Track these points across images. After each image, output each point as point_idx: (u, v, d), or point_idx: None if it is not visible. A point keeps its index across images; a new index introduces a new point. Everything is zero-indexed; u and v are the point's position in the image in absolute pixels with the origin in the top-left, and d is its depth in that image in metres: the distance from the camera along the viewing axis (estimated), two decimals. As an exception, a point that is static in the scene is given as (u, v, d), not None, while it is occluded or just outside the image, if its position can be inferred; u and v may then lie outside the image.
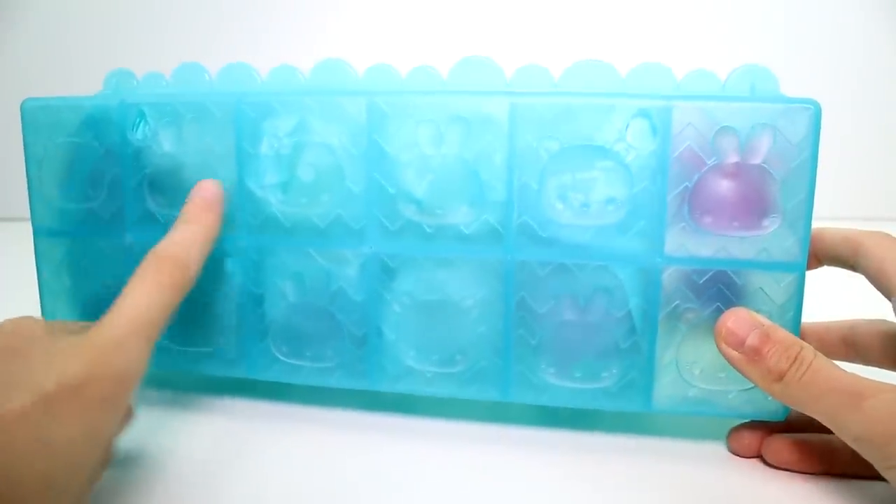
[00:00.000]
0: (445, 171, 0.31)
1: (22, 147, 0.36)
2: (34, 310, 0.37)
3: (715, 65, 0.35)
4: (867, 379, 0.26)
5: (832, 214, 0.33)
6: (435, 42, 0.73)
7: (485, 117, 0.30)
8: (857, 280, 0.30)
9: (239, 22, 0.79)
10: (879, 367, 0.32)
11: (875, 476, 0.29)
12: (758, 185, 0.29)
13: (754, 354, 0.27)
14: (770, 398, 0.30)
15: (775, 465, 0.30)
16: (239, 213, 0.33)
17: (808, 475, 0.30)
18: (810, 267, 0.33)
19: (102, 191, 0.35)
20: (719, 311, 0.30)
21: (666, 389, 0.31)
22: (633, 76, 0.34)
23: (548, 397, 0.32)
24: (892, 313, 0.29)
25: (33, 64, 0.83)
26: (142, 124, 0.34)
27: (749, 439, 0.31)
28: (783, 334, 0.28)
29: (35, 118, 0.35)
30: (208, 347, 0.35)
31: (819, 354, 0.27)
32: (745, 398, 0.30)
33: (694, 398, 0.31)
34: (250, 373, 0.35)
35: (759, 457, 0.31)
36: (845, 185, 0.63)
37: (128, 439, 0.30)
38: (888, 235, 0.30)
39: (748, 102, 0.28)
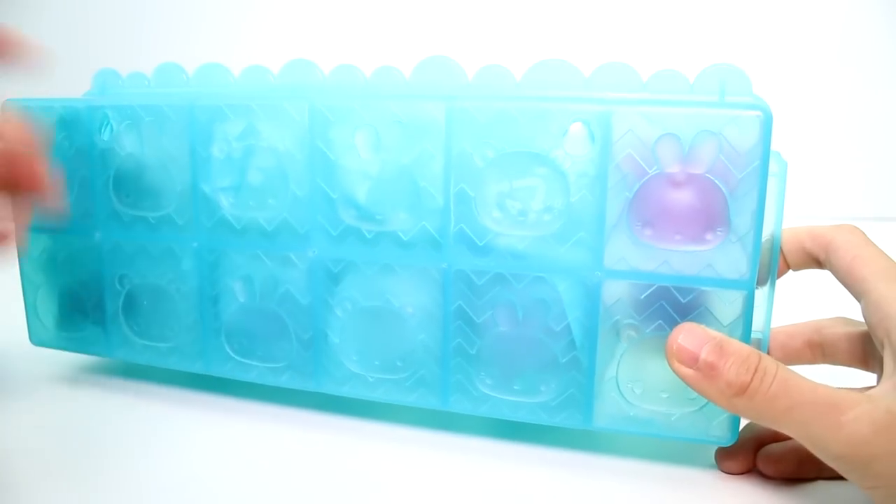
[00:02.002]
0: (384, 176, 0.31)
1: None
2: (18, 301, 0.39)
3: (685, 65, 0.33)
4: (840, 389, 0.24)
5: (812, 215, 0.30)
6: (401, 42, 0.73)
7: (422, 122, 0.30)
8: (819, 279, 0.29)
9: (219, 23, 0.81)
10: (848, 366, 0.31)
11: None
12: (702, 196, 0.27)
13: (710, 370, 0.25)
14: (715, 421, 0.28)
15: (774, 475, 0.29)
16: (195, 214, 0.34)
17: (766, 484, 0.28)
18: (780, 273, 0.31)
19: (74, 189, 0.36)
20: (662, 329, 0.28)
21: (607, 407, 0.30)
22: (598, 76, 0.32)
23: (486, 408, 0.31)
24: (860, 312, 0.27)
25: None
26: (107, 126, 0.35)
27: (742, 455, 0.29)
28: (738, 345, 0.26)
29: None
30: (170, 343, 0.36)
31: (781, 364, 0.25)
32: (690, 421, 0.29)
33: (636, 418, 0.29)
34: (207, 369, 0.36)
35: (752, 471, 0.29)
36: (828, 185, 0.59)
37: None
38: (856, 229, 0.29)
39: (692, 107, 0.27)
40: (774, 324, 0.31)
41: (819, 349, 0.31)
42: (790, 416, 0.24)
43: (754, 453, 0.29)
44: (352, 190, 0.31)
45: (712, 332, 0.26)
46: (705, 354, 0.25)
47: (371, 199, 0.31)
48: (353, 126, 0.31)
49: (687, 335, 0.26)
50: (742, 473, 0.29)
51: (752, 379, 0.25)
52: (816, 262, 0.30)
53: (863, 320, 0.28)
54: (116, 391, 0.38)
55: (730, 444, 0.29)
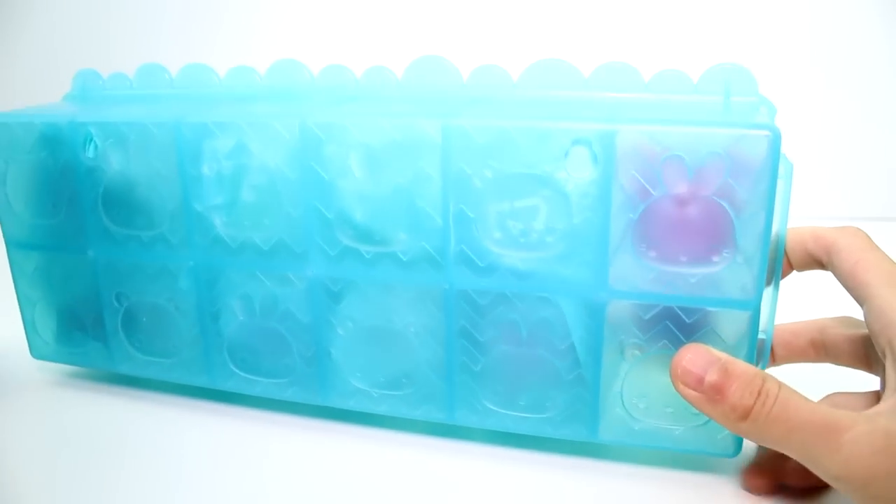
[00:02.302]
0: (381, 196, 0.30)
1: None
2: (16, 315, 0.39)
3: (689, 64, 0.32)
4: (838, 411, 0.24)
5: (818, 214, 0.30)
6: (391, 42, 0.69)
7: (418, 141, 0.29)
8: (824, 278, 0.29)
9: (202, 21, 0.76)
10: (851, 367, 0.31)
11: None
12: (708, 217, 0.26)
13: (715, 393, 0.25)
14: (719, 435, 0.29)
15: (800, 486, 0.28)
16: (188, 233, 0.33)
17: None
18: (784, 274, 0.31)
19: (63, 207, 0.35)
20: (666, 348, 0.28)
21: (612, 422, 0.30)
22: (597, 77, 0.31)
23: (492, 422, 0.31)
24: (862, 316, 0.27)
25: (7, 66, 0.82)
26: (91, 144, 0.34)
27: (769, 472, 0.29)
28: (743, 367, 0.26)
29: (-6, 135, 0.35)
30: (173, 358, 0.36)
31: (783, 385, 0.25)
32: (694, 435, 0.29)
33: (641, 431, 0.30)
34: (212, 383, 0.36)
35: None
36: (830, 185, 0.58)
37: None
38: (859, 231, 0.28)
39: (699, 127, 0.26)
40: (779, 320, 0.31)
41: (822, 349, 0.31)
42: (790, 439, 0.24)
43: (778, 468, 0.29)
44: (348, 210, 0.30)
45: (717, 354, 0.26)
46: (710, 377, 0.25)
47: (368, 220, 0.30)
48: (347, 144, 0.30)
49: (693, 357, 0.26)
50: (771, 492, 0.29)
51: (755, 403, 0.25)
52: (819, 264, 0.30)
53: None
54: (118, 397, 0.38)
55: (734, 457, 0.29)
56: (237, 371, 0.35)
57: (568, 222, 0.28)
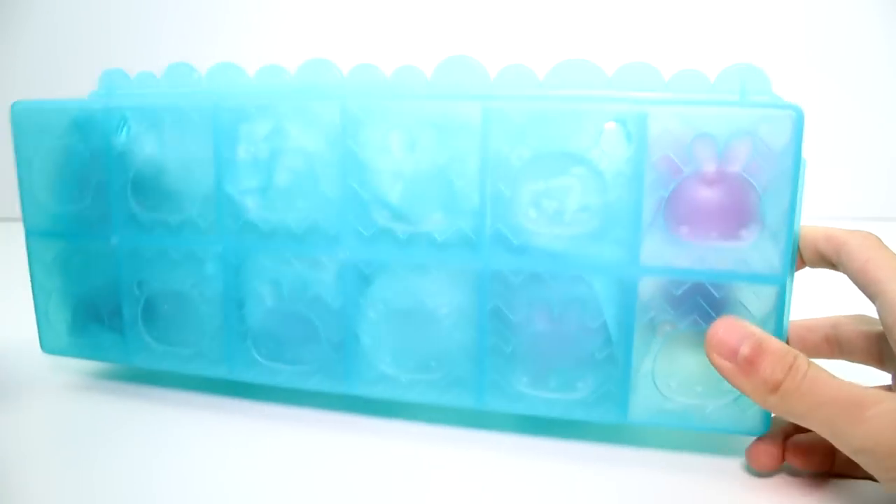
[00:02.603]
0: (418, 177, 0.31)
1: (12, 148, 0.37)
2: (28, 308, 0.38)
3: (705, 64, 0.34)
4: (865, 387, 0.25)
5: (828, 214, 0.31)
6: (420, 42, 0.72)
7: (458, 122, 0.30)
8: (840, 277, 0.30)
9: (229, 22, 0.78)
10: (864, 364, 0.31)
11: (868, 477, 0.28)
12: (737, 194, 0.28)
13: (748, 365, 0.26)
14: (748, 412, 0.29)
15: (803, 468, 0.29)
16: (219, 217, 0.33)
17: (800, 479, 0.29)
18: (796, 268, 0.32)
19: (89, 193, 0.35)
20: (697, 324, 0.29)
21: (642, 401, 0.30)
22: (620, 76, 0.33)
23: (523, 406, 0.32)
24: (876, 313, 0.28)
25: (29, 63, 0.83)
26: (125, 128, 0.34)
27: (771, 450, 0.30)
28: (776, 343, 0.26)
29: (24, 121, 0.36)
30: (192, 348, 0.35)
31: (813, 363, 0.26)
32: (723, 413, 0.30)
33: (671, 411, 0.30)
34: (232, 374, 0.35)
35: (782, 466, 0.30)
36: (841, 185, 0.60)
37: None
38: (871, 234, 0.29)
39: (727, 107, 0.27)
40: (795, 317, 0.32)
41: (836, 345, 0.32)
42: (816, 413, 0.25)
43: (783, 447, 0.30)
44: (385, 191, 0.31)
45: (752, 328, 0.27)
46: (744, 350, 0.26)
47: (405, 200, 0.31)
48: (386, 126, 0.31)
49: (727, 329, 0.27)
50: (774, 469, 0.30)
51: (784, 377, 0.25)
52: (829, 264, 0.31)
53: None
54: (130, 396, 0.37)
55: (761, 434, 0.29)
56: (260, 359, 0.34)
57: (602, 200, 0.29)
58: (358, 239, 0.32)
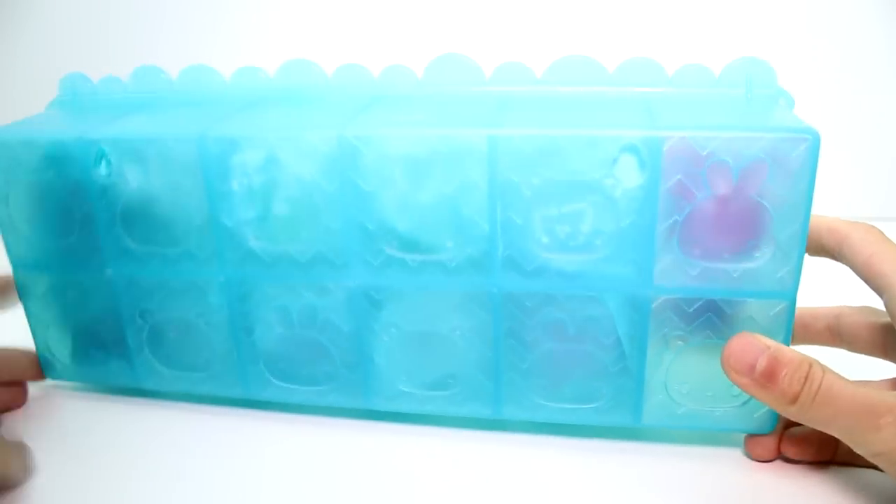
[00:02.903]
0: (425, 206, 0.30)
1: None
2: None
3: (709, 58, 0.32)
4: (879, 392, 0.26)
5: (836, 214, 0.31)
6: (409, 39, 0.65)
7: (463, 152, 0.29)
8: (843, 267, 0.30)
9: (197, 21, 0.68)
10: (868, 354, 0.32)
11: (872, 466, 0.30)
12: (750, 216, 0.28)
13: (765, 380, 0.27)
14: (756, 413, 0.31)
15: (796, 458, 0.31)
16: (218, 248, 0.32)
17: (811, 470, 0.31)
18: None
19: (76, 226, 0.34)
20: (709, 338, 0.30)
21: (654, 408, 0.31)
22: (621, 72, 0.32)
23: (539, 414, 0.33)
24: (883, 305, 0.29)
25: None
26: (104, 161, 0.32)
27: (768, 441, 0.31)
28: (791, 354, 0.27)
29: (-7, 154, 0.33)
30: (204, 372, 0.35)
31: (827, 369, 0.27)
32: (732, 414, 0.31)
33: (682, 415, 0.31)
34: (248, 394, 0.35)
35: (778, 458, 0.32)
36: (843, 184, 0.60)
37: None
38: (873, 228, 0.30)
39: (742, 132, 0.27)
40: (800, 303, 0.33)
41: (837, 334, 0.33)
42: (834, 421, 0.26)
43: (779, 438, 0.32)
44: (391, 220, 0.30)
45: (766, 341, 0.27)
46: (761, 365, 0.27)
47: (412, 229, 0.30)
48: (388, 155, 0.29)
49: (743, 346, 0.27)
50: (771, 459, 0.32)
51: (802, 388, 0.26)
52: (830, 255, 0.31)
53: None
54: (135, 402, 0.38)
55: (769, 432, 0.31)
56: (275, 381, 0.35)
57: (615, 226, 0.29)
58: (366, 267, 0.31)
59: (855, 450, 0.27)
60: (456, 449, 0.33)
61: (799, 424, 0.32)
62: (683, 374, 0.31)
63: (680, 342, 0.30)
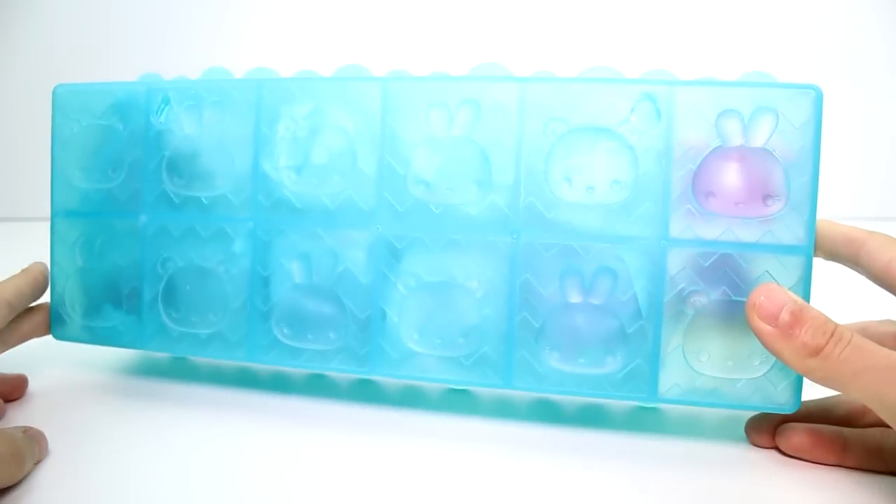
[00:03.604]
0: (454, 152, 0.32)
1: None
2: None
3: (718, 72, 0.36)
4: None
5: (837, 214, 0.32)
6: (447, 49, 0.74)
7: (495, 101, 0.31)
8: (860, 280, 0.30)
9: (262, 29, 0.79)
10: None
11: (887, 472, 0.28)
12: (761, 167, 0.29)
13: (788, 329, 0.26)
14: (779, 387, 0.29)
15: (788, 452, 0.30)
16: (253, 193, 0.34)
17: (821, 470, 0.29)
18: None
19: (122, 172, 0.36)
20: (726, 295, 0.30)
21: (672, 378, 0.30)
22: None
23: (550, 384, 0.31)
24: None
25: (42, 67, 0.81)
26: (166, 108, 0.35)
27: (767, 429, 0.31)
28: (816, 312, 0.27)
29: (65, 102, 0.37)
30: (211, 329, 0.35)
31: (856, 333, 0.26)
32: (754, 387, 0.30)
33: (701, 388, 0.30)
34: (250, 357, 0.35)
35: (776, 448, 0.31)
36: (846, 184, 0.62)
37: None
38: (890, 236, 0.30)
39: (751, 87, 0.29)
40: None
41: None
42: (860, 379, 0.25)
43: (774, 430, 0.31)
44: (421, 166, 0.32)
45: (794, 296, 0.27)
46: (785, 315, 0.27)
47: (440, 175, 0.32)
48: (426, 103, 0.32)
49: (769, 294, 0.27)
50: (769, 447, 0.31)
51: (826, 343, 0.26)
52: (845, 261, 0.31)
53: None
54: (137, 393, 0.36)
55: (793, 410, 0.29)
56: (281, 339, 0.34)
57: (632, 174, 0.30)
58: (392, 214, 0.32)
59: (879, 412, 0.25)
60: (455, 442, 0.32)
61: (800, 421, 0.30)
62: (702, 338, 0.30)
63: (697, 299, 0.30)
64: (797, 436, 0.30)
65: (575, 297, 0.31)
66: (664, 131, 0.30)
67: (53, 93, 0.37)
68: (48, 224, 0.37)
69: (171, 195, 0.35)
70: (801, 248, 0.29)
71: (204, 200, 0.35)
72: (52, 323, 0.37)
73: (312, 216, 0.33)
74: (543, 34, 0.75)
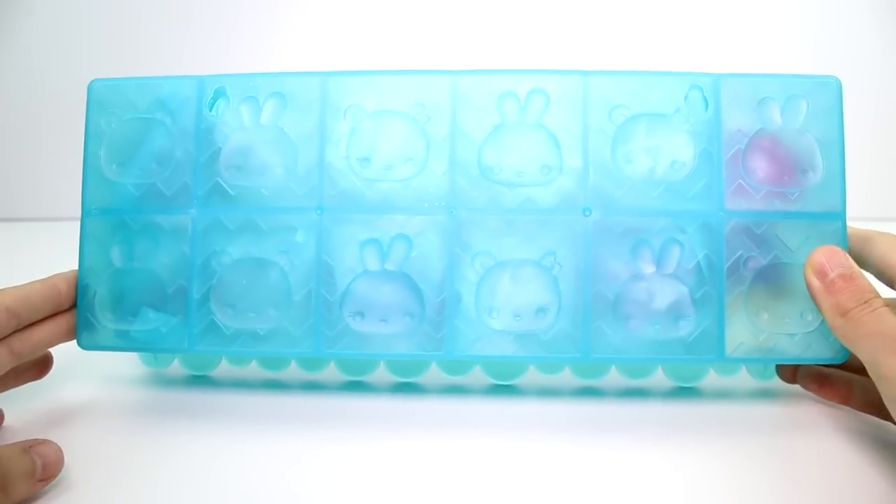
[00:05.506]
0: (525, 140, 0.34)
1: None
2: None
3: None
4: None
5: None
6: (465, 49, 0.73)
7: (559, 90, 0.34)
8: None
9: (254, 26, 0.73)
10: None
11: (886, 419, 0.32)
12: (798, 145, 0.33)
13: (832, 286, 0.30)
14: (830, 339, 0.33)
15: (804, 389, 0.35)
16: (318, 184, 0.34)
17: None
18: None
19: (168, 167, 0.34)
20: (777, 259, 0.33)
21: (737, 336, 0.33)
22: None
23: (627, 352, 0.33)
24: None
25: (39, 66, 0.73)
26: (220, 101, 0.35)
27: (791, 368, 0.36)
28: (864, 281, 0.30)
29: (102, 96, 0.35)
30: (271, 324, 0.34)
31: (891, 307, 0.29)
32: (809, 341, 0.33)
33: (762, 345, 0.33)
34: (315, 350, 0.33)
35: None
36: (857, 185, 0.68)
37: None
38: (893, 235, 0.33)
39: (784, 76, 0.34)
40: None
41: None
42: (865, 342, 0.28)
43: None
44: (494, 155, 0.34)
45: (851, 262, 0.31)
46: (832, 274, 0.30)
47: (513, 162, 0.34)
48: (492, 94, 0.34)
49: (828, 254, 0.31)
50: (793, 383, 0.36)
51: (855, 306, 0.29)
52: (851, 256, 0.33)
53: None
54: (175, 410, 0.34)
55: (842, 361, 0.33)
56: (351, 325, 0.33)
57: (689, 155, 0.33)
58: (466, 198, 0.33)
59: (869, 372, 0.28)
60: (501, 436, 0.33)
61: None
62: (761, 300, 0.33)
63: (753, 263, 0.33)
64: (809, 376, 0.35)
65: (645, 269, 0.33)
66: (713, 116, 0.33)
67: (89, 87, 0.35)
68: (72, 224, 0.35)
69: (227, 187, 0.34)
70: (837, 215, 0.33)
71: (264, 191, 0.34)
72: (80, 330, 0.34)
73: (381, 204, 0.34)
74: (556, 32, 0.75)
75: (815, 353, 0.33)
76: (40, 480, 0.27)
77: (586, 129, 0.34)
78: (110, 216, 0.35)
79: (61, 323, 0.34)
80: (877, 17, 0.74)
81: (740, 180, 0.33)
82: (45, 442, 0.28)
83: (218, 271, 0.34)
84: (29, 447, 0.27)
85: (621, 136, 0.34)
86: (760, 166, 0.33)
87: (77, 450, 0.29)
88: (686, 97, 0.34)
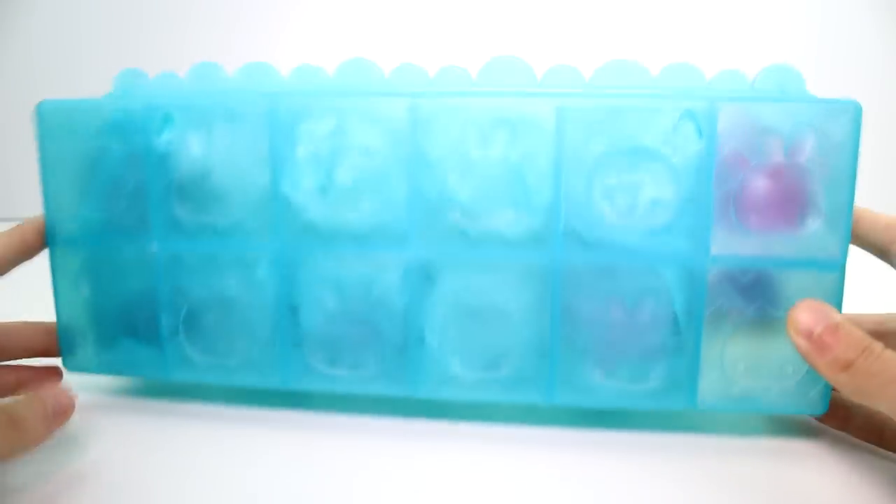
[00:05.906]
0: (489, 174, 0.31)
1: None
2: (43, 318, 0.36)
3: (742, 64, 0.36)
4: None
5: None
6: (460, 41, 0.70)
7: (530, 119, 0.30)
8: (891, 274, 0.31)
9: (254, 21, 0.73)
10: None
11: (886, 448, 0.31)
12: (801, 184, 0.29)
13: (821, 343, 0.27)
14: (811, 393, 0.31)
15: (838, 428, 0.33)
16: (274, 218, 0.32)
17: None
18: None
19: (124, 197, 0.33)
20: (762, 310, 0.30)
21: (710, 387, 0.31)
22: (664, 76, 0.34)
23: (593, 399, 0.32)
24: None
25: (39, 65, 0.75)
26: (169, 128, 0.33)
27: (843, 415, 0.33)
28: (852, 328, 0.28)
29: (51, 121, 0.33)
30: (240, 358, 0.34)
31: (888, 349, 0.27)
32: (786, 393, 0.31)
33: (737, 395, 0.31)
34: (286, 383, 0.34)
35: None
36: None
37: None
38: None
39: (791, 103, 0.29)
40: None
41: (883, 341, 0.34)
42: (885, 391, 0.26)
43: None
44: (455, 188, 0.31)
45: (833, 313, 0.28)
46: (818, 329, 0.28)
47: (475, 198, 0.31)
48: (457, 123, 0.31)
49: (808, 310, 0.28)
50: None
51: (857, 357, 0.27)
52: (880, 250, 0.32)
53: None
54: (161, 412, 0.35)
55: (821, 413, 0.31)
56: (316, 367, 0.33)
57: (673, 193, 0.30)
58: (426, 238, 0.32)
59: None
60: (498, 449, 0.32)
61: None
62: (739, 349, 0.31)
63: (735, 313, 0.31)
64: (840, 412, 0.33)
65: (616, 316, 0.31)
66: (705, 149, 0.30)
67: (37, 111, 0.33)
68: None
69: (184, 222, 0.33)
70: (836, 264, 0.30)
71: (220, 227, 0.33)
72: (63, 355, 0.36)
73: (342, 241, 0.32)
74: (559, 23, 0.71)
75: (792, 405, 0.31)
76: (54, 421, 0.28)
77: (558, 165, 0.30)
78: (76, 247, 0.34)
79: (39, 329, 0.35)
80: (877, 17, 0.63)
81: (730, 224, 0.30)
82: (52, 386, 0.29)
83: (185, 304, 0.34)
84: (38, 391, 0.29)
85: (597, 172, 0.30)
86: (754, 209, 0.30)
87: (77, 450, 0.31)
88: (675, 127, 0.30)
